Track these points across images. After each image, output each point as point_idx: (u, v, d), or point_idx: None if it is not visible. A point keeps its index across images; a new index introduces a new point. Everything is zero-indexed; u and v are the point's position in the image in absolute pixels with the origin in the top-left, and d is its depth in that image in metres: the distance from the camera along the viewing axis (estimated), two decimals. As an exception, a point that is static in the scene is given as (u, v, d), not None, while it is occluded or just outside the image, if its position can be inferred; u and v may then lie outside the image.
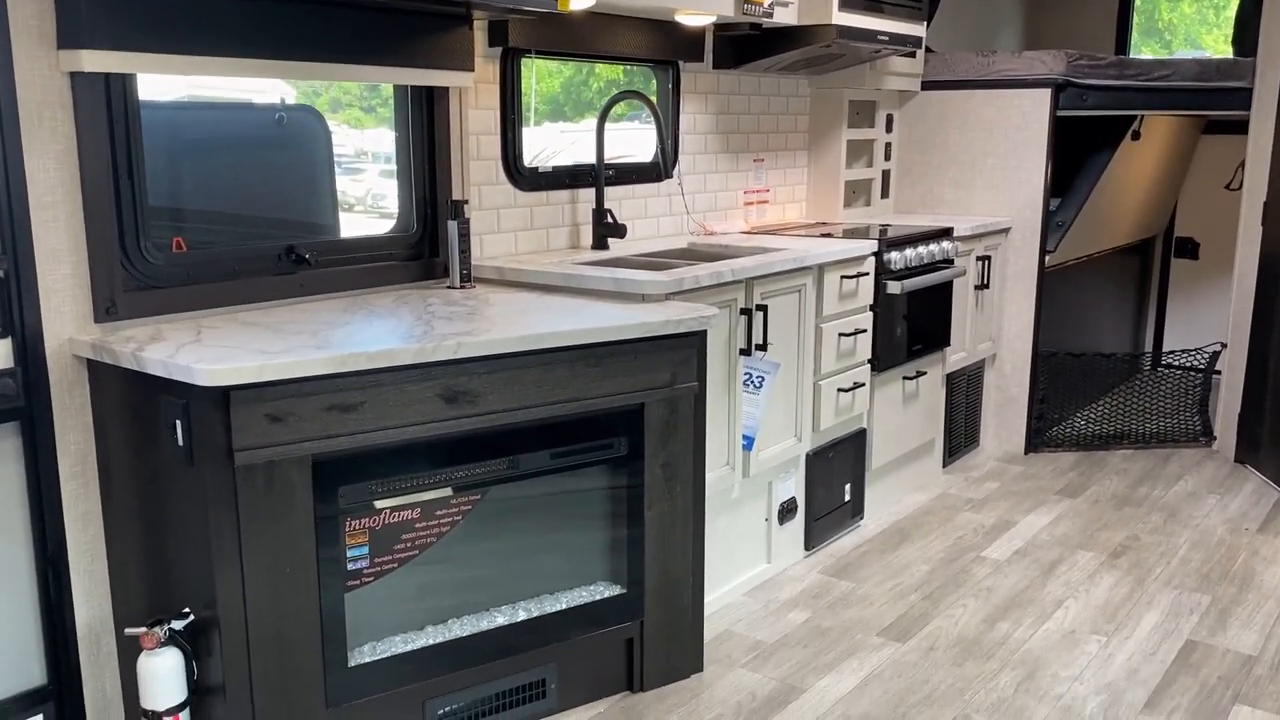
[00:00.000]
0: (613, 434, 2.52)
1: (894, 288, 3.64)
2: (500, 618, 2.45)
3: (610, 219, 3.35)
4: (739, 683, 2.72)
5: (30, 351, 2.17)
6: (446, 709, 2.40)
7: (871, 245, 3.55)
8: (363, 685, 2.27)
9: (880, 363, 3.68)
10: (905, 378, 3.90)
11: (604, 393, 2.46)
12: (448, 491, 2.34)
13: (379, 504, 2.25)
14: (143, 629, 2.15)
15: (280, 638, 2.15)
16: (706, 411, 2.75)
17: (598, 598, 2.57)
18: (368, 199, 3.10)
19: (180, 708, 2.17)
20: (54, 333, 2.21)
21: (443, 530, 2.35)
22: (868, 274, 3.56)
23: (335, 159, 2.78)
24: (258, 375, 2.01)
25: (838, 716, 2.57)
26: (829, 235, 3.73)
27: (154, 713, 2.15)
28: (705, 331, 2.64)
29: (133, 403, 2.20)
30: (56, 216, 2.19)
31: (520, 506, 2.47)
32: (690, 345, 2.58)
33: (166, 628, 2.16)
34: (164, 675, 2.14)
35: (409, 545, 2.31)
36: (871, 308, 3.63)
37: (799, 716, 2.57)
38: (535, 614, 2.49)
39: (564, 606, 2.52)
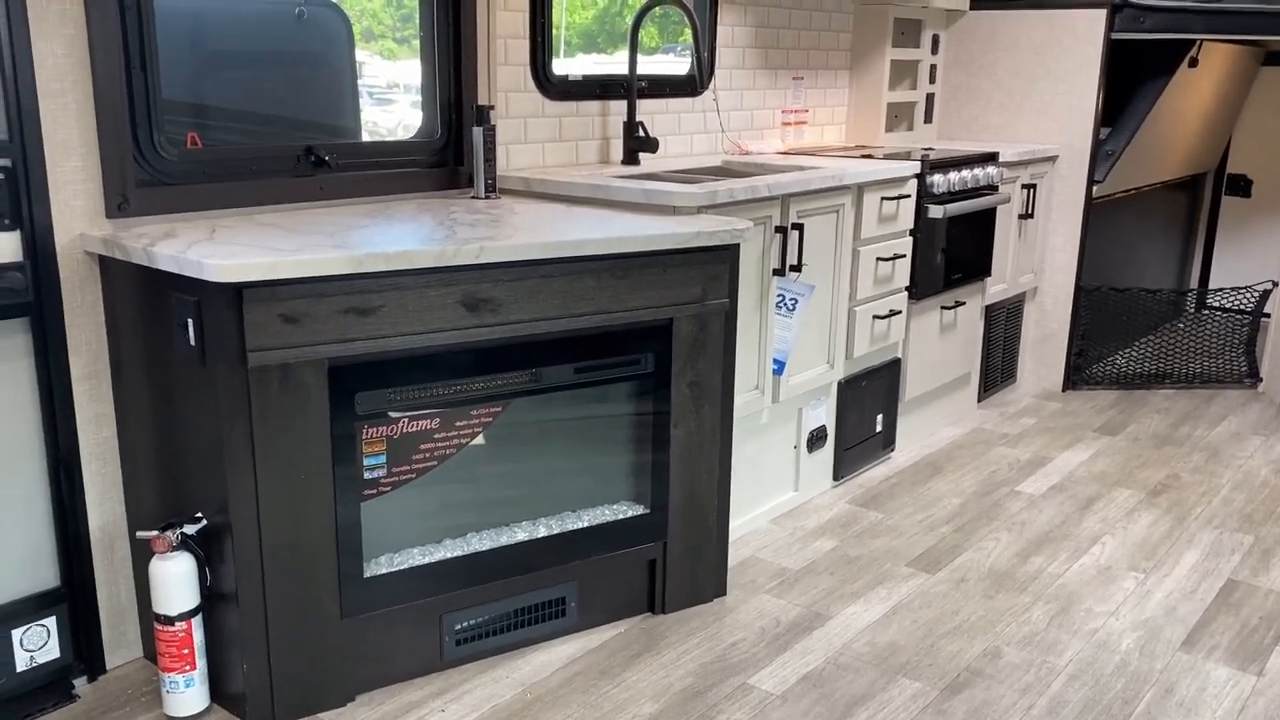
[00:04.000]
0: (639, 350, 2.43)
1: (935, 212, 3.50)
2: (520, 534, 2.39)
3: (642, 132, 3.23)
4: (763, 608, 2.66)
5: (40, 246, 2.10)
6: (464, 624, 2.35)
7: (914, 167, 3.41)
8: (379, 597, 2.22)
9: (918, 290, 3.56)
10: (943, 307, 3.78)
11: (631, 306, 2.36)
12: (468, 403, 2.26)
13: (397, 412, 2.18)
14: (154, 533, 2.10)
15: (294, 545, 2.09)
16: (737, 332, 2.65)
17: (620, 517, 2.50)
18: (398, 130, 2.98)
19: (193, 613, 2.13)
20: (64, 227, 2.14)
21: (462, 442, 2.28)
22: (909, 197, 3.43)
23: (358, 63, 2.67)
24: (271, 272, 1.93)
25: (864, 644, 2.51)
26: (869, 157, 3.59)
27: (166, 617, 2.11)
28: (738, 246, 2.54)
29: (145, 301, 2.13)
30: (66, 106, 2.11)
31: (543, 421, 2.39)
32: (722, 259, 2.47)
33: (178, 532, 2.11)
34: (176, 580, 2.10)
35: (427, 456, 2.24)
36: (911, 232, 3.50)
37: (824, 643, 2.50)
38: (556, 531, 2.42)
39: (586, 524, 2.46)
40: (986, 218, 3.84)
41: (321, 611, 2.15)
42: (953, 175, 3.57)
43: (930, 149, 3.93)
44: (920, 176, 3.45)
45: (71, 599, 2.24)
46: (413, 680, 2.32)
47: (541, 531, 2.41)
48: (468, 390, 2.25)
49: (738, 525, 3.04)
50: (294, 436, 2.05)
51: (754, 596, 2.72)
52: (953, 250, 3.68)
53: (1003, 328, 4.28)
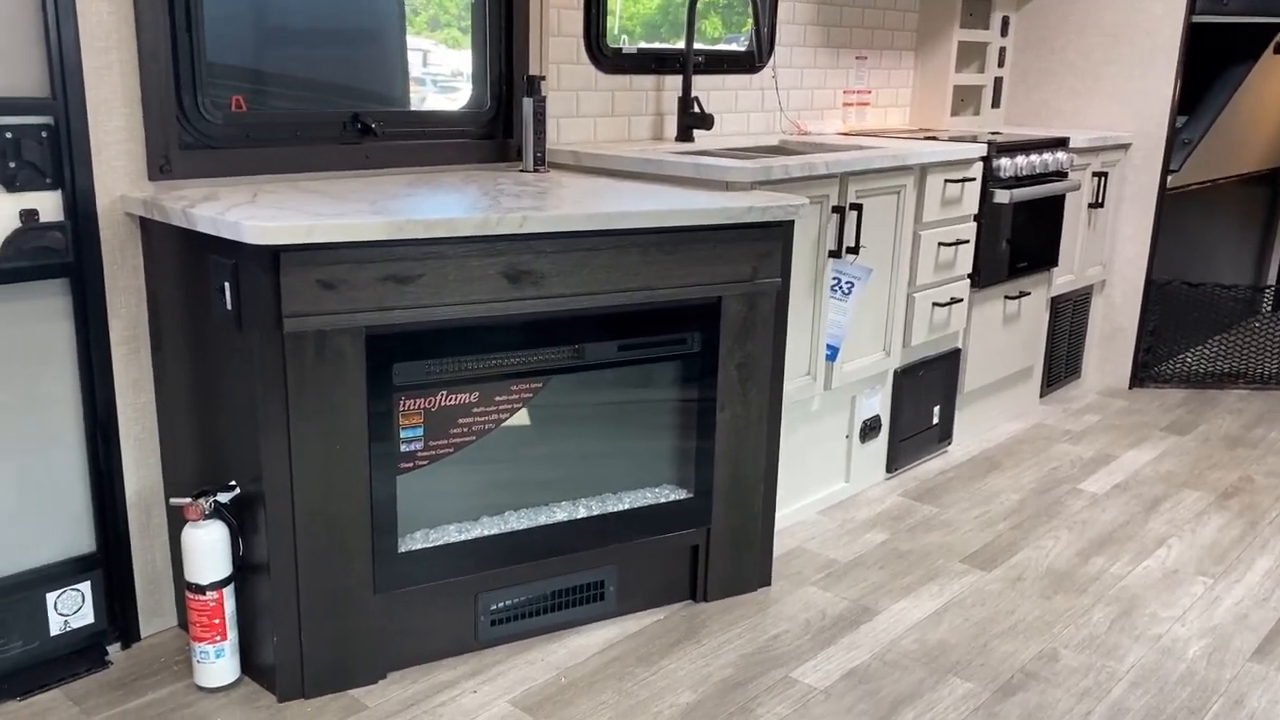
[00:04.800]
0: (686, 328, 2.35)
1: (1002, 197, 3.37)
2: (559, 514, 2.33)
3: (697, 108, 3.15)
4: (809, 600, 2.57)
5: (80, 206, 2.07)
6: (500, 604, 2.29)
7: (980, 149, 3.28)
8: (413, 573, 2.17)
9: (981, 278, 3.43)
10: (1007, 297, 3.64)
11: (678, 283, 2.28)
12: (508, 377, 2.20)
13: (435, 384, 2.12)
14: (187, 500, 2.07)
15: (327, 516, 2.05)
16: (788, 314, 2.56)
17: (662, 500, 2.43)
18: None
19: (225, 582, 2.10)
20: (105, 188, 2.11)
21: (501, 418, 2.22)
22: (974, 180, 3.30)
23: (407, 23, 2.62)
24: (308, 235, 1.88)
25: (913, 641, 2.40)
26: (934, 138, 3.47)
27: (197, 586, 2.08)
28: (792, 223, 2.44)
29: (184, 264, 2.10)
30: (110, 64, 2.08)
31: (584, 399, 2.32)
32: (774, 237, 2.38)
33: (212, 500, 2.08)
34: (208, 548, 2.07)
35: (466, 430, 2.18)
36: (976, 218, 3.37)
37: (871, 639, 2.41)
38: (596, 513, 2.35)
39: (626, 507, 2.38)
40: (1054, 205, 3.70)
41: (354, 586, 2.11)
42: (1020, 160, 3.44)
43: (998, 133, 3.79)
44: (987, 159, 3.32)
45: (107, 564, 2.22)
46: (445, 659, 2.27)
47: (581, 513, 2.34)
48: (508, 365, 2.18)
49: (785, 515, 2.94)
50: (330, 406, 2.01)
51: (800, 588, 2.63)
52: (1018, 238, 3.54)
53: (1068, 321, 4.13)
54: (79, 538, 2.19)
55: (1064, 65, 4.21)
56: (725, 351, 2.40)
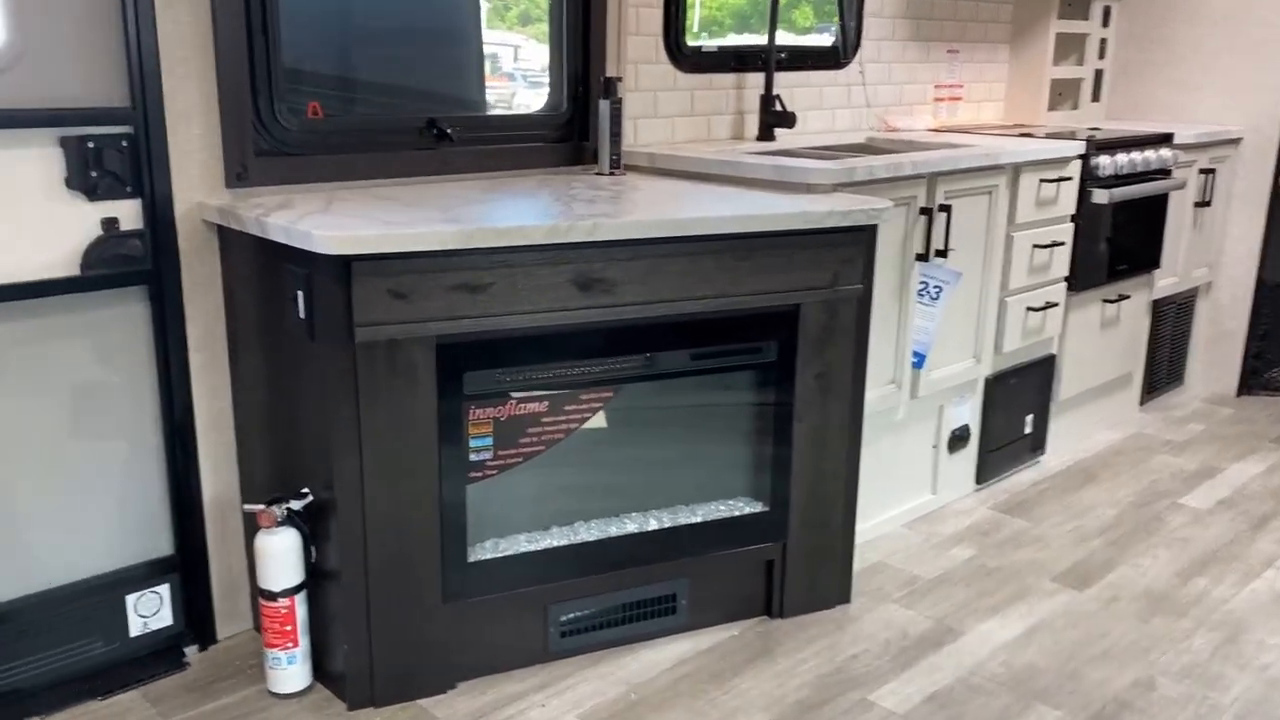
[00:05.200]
0: (762, 337, 2.28)
1: (1100, 197, 3.22)
2: (630, 525, 2.28)
3: (779, 106, 3.06)
4: (889, 618, 2.48)
5: (159, 214, 2.09)
6: (570, 615, 2.26)
7: (1078, 147, 3.14)
8: (482, 583, 2.15)
9: (1078, 282, 3.28)
10: (1105, 300, 3.48)
11: (755, 290, 2.21)
12: (578, 387, 2.16)
13: (505, 393, 2.09)
14: (260, 506, 2.08)
15: (398, 525, 2.04)
16: (871, 320, 2.47)
17: (737, 514, 2.36)
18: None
19: (296, 589, 2.10)
20: (183, 196, 2.13)
21: (571, 428, 2.18)
22: (1071, 179, 3.15)
23: (483, 26, 2.60)
24: (379, 245, 1.87)
25: (999, 664, 2.30)
26: (1028, 135, 3.32)
27: (269, 592, 2.08)
28: (875, 227, 2.35)
29: (259, 272, 2.10)
30: (188, 73, 2.09)
31: (657, 409, 2.27)
32: (857, 242, 2.30)
33: (284, 507, 2.08)
34: (280, 556, 2.07)
35: (535, 440, 2.15)
36: (1073, 218, 3.23)
37: (954, 661, 2.31)
38: (668, 525, 2.30)
39: (699, 520, 2.33)
40: (1157, 204, 3.52)
41: (424, 595, 2.09)
42: (1121, 157, 3.28)
43: (1097, 129, 3.62)
44: (1085, 158, 3.17)
45: (184, 567, 2.25)
46: (515, 670, 2.24)
47: (652, 524, 2.29)
48: (578, 374, 2.15)
49: (867, 528, 2.85)
50: (400, 415, 1.99)
51: (880, 605, 2.54)
52: (1119, 239, 3.38)
53: (1171, 325, 3.93)
54: (158, 541, 2.22)
55: (1170, 56, 4.01)
56: (803, 361, 2.32)
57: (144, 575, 2.20)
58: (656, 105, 2.90)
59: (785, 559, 2.43)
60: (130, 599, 2.18)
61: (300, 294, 1.96)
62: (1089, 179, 3.20)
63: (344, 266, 1.90)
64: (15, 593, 2.05)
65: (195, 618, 2.28)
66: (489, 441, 2.11)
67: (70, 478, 2.08)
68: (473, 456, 2.10)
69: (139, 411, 2.15)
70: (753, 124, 3.15)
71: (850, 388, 2.40)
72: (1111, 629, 2.45)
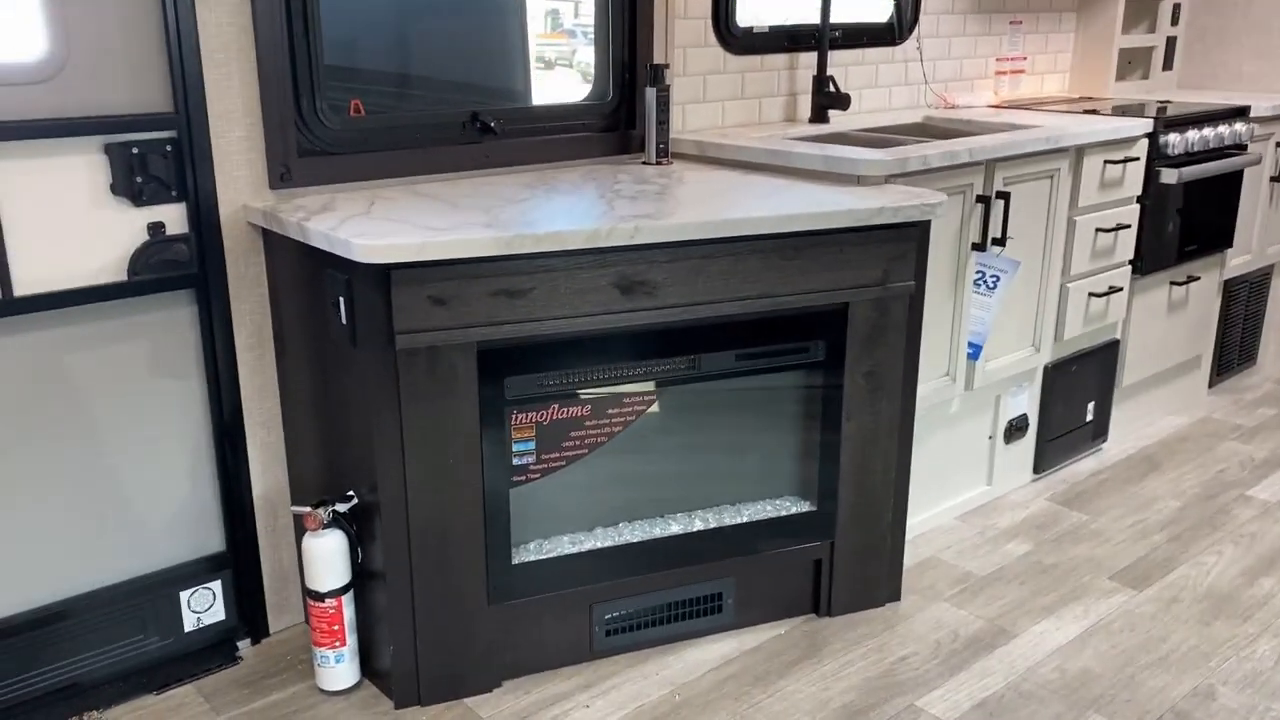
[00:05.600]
0: (809, 336, 2.23)
1: (1169, 176, 3.09)
2: (675, 526, 2.26)
3: (832, 88, 2.98)
4: (940, 618, 2.44)
5: (204, 217, 2.10)
6: (615, 614, 2.26)
7: (1145, 125, 3.01)
8: (527, 584, 2.15)
9: (1144, 265, 3.17)
10: (1173, 283, 3.36)
11: (801, 289, 2.16)
12: (621, 390, 2.14)
13: (547, 397, 2.08)
14: (307, 509, 2.10)
15: (442, 529, 2.04)
16: (924, 315, 2.41)
17: (784, 513, 2.33)
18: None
19: (343, 590, 2.12)
20: (228, 199, 2.13)
21: (614, 431, 2.16)
22: (1138, 159, 3.03)
23: (527, 15, 2.55)
24: (418, 254, 1.85)
25: (1052, 669, 2.25)
26: (1094, 112, 3.20)
27: (316, 593, 2.11)
28: (929, 222, 2.28)
29: (304, 275, 2.11)
30: (230, 75, 2.09)
31: (701, 410, 2.24)
32: (909, 238, 2.23)
33: (330, 510, 2.10)
34: (326, 557, 2.09)
35: (578, 444, 2.14)
36: (1139, 199, 3.11)
37: (1006, 664, 2.27)
38: (713, 525, 2.28)
39: (745, 520, 2.30)
40: (1231, 182, 3.38)
41: (468, 597, 2.10)
42: (1192, 134, 3.14)
43: (1168, 102, 3.47)
44: (1153, 136, 3.04)
45: (236, 563, 2.29)
46: (560, 669, 2.25)
47: (697, 525, 2.27)
48: (620, 377, 2.12)
49: (919, 521, 2.80)
50: (442, 420, 1.99)
51: (931, 604, 2.50)
52: (1188, 218, 3.25)
53: (1244, 305, 3.79)
54: (210, 538, 2.26)
55: (1248, 23, 3.83)
56: (852, 359, 2.27)
57: (197, 572, 2.24)
58: (705, 90, 2.84)
59: (833, 558, 2.40)
60: (184, 595, 2.23)
61: (342, 300, 1.95)
62: (1157, 158, 3.07)
63: (384, 274, 1.89)
64: (72, 590, 2.10)
65: (247, 612, 2.32)
66: (531, 445, 2.10)
67: (123, 478, 2.12)
68: (515, 461, 2.09)
69: (189, 412, 2.18)
70: (806, 105, 3.07)
71: (901, 386, 2.34)
72: (1171, 633, 2.39)
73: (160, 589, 2.20)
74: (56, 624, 2.08)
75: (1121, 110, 3.29)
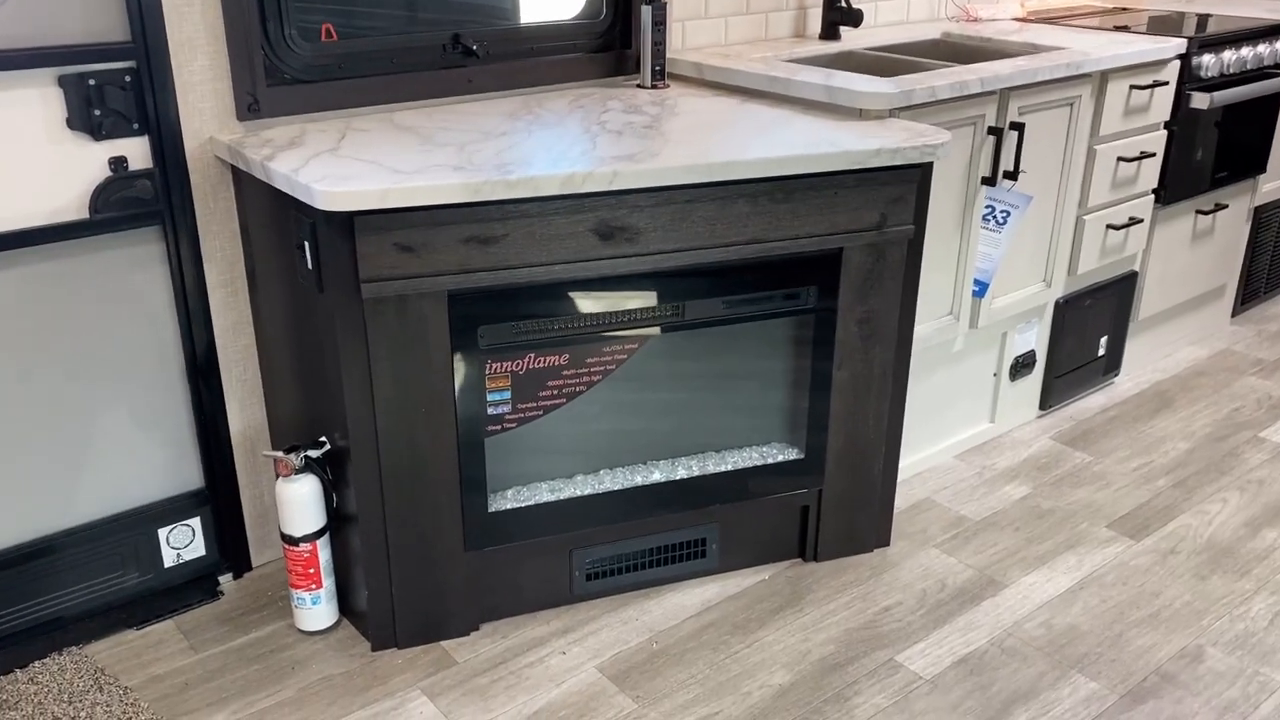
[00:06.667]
0: (800, 282, 2.14)
1: (1201, 101, 2.91)
2: (658, 474, 2.22)
3: (844, 1, 2.81)
4: (929, 566, 2.40)
5: (169, 152, 2.01)
6: (595, 559, 2.23)
7: (1177, 45, 2.82)
8: (504, 531, 2.12)
9: (1168, 194, 3.02)
10: (1199, 211, 3.21)
11: (791, 234, 2.06)
12: (601, 338, 2.06)
13: (523, 346, 2.01)
14: (279, 454, 2.06)
15: (414, 477, 2.00)
16: (929, 250, 2.30)
17: (769, 461, 2.27)
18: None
19: (317, 535, 2.10)
20: (193, 131, 2.04)
21: (594, 380, 2.10)
22: (1167, 83, 2.85)
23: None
24: (382, 200, 1.77)
25: (1038, 625, 2.22)
26: (1125, 28, 3.01)
27: (290, 537, 2.09)
28: (931, 164, 2.16)
29: (273, 212, 2.03)
30: (191, 0, 1.97)
31: (686, 357, 2.17)
32: (909, 179, 2.11)
33: (302, 455, 2.06)
34: (298, 503, 2.07)
35: (556, 393, 2.08)
36: (1166, 125, 2.94)
37: (992, 618, 2.23)
38: (697, 473, 2.23)
39: (731, 467, 2.25)
40: (1268, 105, 3.18)
41: (443, 545, 2.08)
42: (1228, 55, 2.95)
43: (1208, 15, 3.26)
44: (1185, 58, 2.86)
45: (215, 500, 2.27)
46: (539, 613, 2.24)
47: (680, 473, 2.22)
48: (601, 325, 2.04)
49: (916, 460, 2.74)
50: (412, 368, 1.93)
51: (921, 550, 2.46)
52: (1219, 144, 3.08)
53: (1275, 232, 3.62)
54: (187, 476, 2.24)
55: (1303, -76, 3.56)
56: (845, 306, 2.18)
57: (175, 509, 2.23)
58: (707, 5, 2.68)
59: (821, 505, 2.35)
60: (162, 532, 2.22)
61: (306, 245, 1.88)
62: (1189, 81, 2.89)
63: (348, 221, 1.81)
64: (51, 528, 2.10)
65: (229, 547, 2.32)
66: (507, 395, 2.04)
67: (99, 416, 2.09)
68: (490, 410, 2.04)
69: (162, 350, 2.13)
70: (816, 20, 2.90)
71: (896, 332, 2.25)
72: (1165, 588, 2.34)
73: (139, 526, 2.19)
74: (36, 560, 2.08)
75: (1158, 24, 3.09)
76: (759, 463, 2.27)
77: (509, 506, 2.12)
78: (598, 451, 2.19)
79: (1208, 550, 2.46)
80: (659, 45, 2.47)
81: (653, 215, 1.95)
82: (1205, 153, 3.05)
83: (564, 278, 1.95)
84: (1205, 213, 3.22)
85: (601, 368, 2.09)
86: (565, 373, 2.07)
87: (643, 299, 2.05)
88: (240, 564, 2.35)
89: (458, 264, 1.88)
